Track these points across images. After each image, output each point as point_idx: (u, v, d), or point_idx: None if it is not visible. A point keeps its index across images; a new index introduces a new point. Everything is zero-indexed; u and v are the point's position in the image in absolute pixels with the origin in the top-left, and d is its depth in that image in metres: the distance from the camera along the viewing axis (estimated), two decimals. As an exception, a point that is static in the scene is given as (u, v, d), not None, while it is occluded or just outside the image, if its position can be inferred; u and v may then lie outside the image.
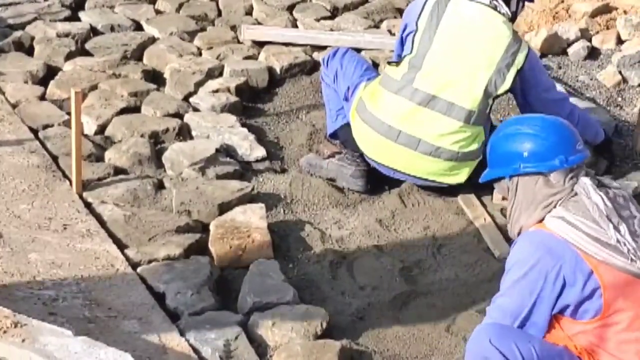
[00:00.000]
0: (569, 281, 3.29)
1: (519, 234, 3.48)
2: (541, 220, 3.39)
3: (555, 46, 6.69)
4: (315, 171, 5.12)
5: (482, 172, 3.67)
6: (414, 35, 4.87)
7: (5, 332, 3.40)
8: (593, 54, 6.68)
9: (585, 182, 3.37)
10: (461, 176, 4.92)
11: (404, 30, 4.98)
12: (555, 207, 3.37)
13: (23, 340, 3.38)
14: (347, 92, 5.04)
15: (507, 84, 4.85)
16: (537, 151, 3.41)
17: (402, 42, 5.01)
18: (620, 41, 6.76)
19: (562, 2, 7.22)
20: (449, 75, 4.81)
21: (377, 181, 5.06)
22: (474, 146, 4.88)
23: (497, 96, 4.91)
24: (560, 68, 6.51)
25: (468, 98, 4.82)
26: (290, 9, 6.82)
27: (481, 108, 4.84)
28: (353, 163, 5.03)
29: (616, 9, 7.11)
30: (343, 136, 5.13)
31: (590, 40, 6.77)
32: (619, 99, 6.19)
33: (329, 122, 5.23)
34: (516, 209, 3.48)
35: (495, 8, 4.90)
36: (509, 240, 4.61)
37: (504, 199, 3.75)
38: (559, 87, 5.96)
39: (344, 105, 5.09)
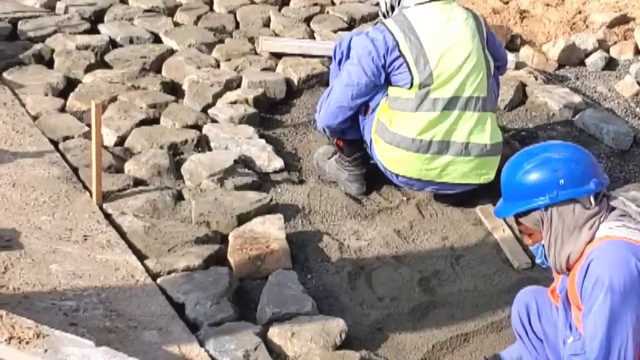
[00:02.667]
0: None
1: (567, 263, 3.35)
2: (590, 241, 3.31)
3: (573, 57, 6.71)
4: (320, 173, 5.23)
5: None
6: (407, 63, 4.83)
7: (27, 342, 3.42)
8: (611, 64, 6.69)
9: (619, 197, 3.36)
10: (490, 174, 4.93)
11: (390, 64, 4.85)
12: (600, 225, 3.31)
13: (45, 351, 3.40)
14: (363, 107, 5.03)
15: (491, 59, 4.96)
16: (573, 176, 3.31)
17: (379, 70, 4.88)
18: (638, 51, 6.78)
19: (580, 12, 7.23)
20: (460, 76, 4.85)
21: (374, 182, 5.14)
22: (499, 137, 4.94)
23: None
24: (578, 79, 6.52)
25: (480, 86, 4.89)
26: (308, 20, 6.85)
27: (490, 91, 4.94)
28: (347, 167, 5.11)
29: (634, 19, 7.13)
30: (348, 144, 5.18)
31: (608, 51, 6.79)
32: (638, 109, 6.19)
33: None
34: (557, 239, 3.34)
35: None
36: (528, 252, 4.64)
37: (521, 232, 3.56)
38: (578, 98, 5.99)
39: (359, 119, 5.06)
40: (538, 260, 3.53)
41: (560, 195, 3.30)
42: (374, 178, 5.16)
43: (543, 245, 3.42)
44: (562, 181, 3.30)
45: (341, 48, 5.14)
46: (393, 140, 4.89)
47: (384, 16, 5.14)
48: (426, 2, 4.93)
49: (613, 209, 3.34)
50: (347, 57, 5.05)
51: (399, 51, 4.82)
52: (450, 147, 4.86)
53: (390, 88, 4.93)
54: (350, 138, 5.12)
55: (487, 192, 5.14)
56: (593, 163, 3.39)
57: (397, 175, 4.97)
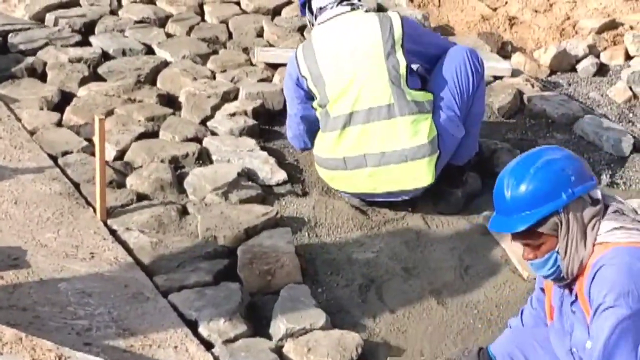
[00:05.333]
0: None
1: (579, 267, 3.28)
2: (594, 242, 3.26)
3: (564, 63, 6.73)
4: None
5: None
6: (308, 83, 4.98)
7: (49, 365, 3.39)
8: (602, 70, 6.72)
9: (609, 194, 3.38)
10: (425, 178, 4.88)
11: (302, 89, 5.05)
12: (600, 225, 3.27)
13: (68, 373, 3.37)
14: None
15: (402, 61, 4.88)
16: (578, 172, 3.27)
17: (304, 99, 5.11)
18: (628, 57, 6.80)
19: (568, 18, 7.26)
20: (354, 90, 4.86)
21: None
22: (421, 139, 4.84)
23: (407, 77, 4.88)
24: (570, 85, 6.54)
25: (380, 96, 4.85)
26: (301, 30, 6.80)
27: (399, 97, 4.85)
28: None
29: (622, 24, 7.16)
30: None
31: (598, 57, 6.81)
32: (630, 115, 6.21)
33: None
34: (572, 243, 3.26)
35: (352, 7, 5.01)
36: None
37: (527, 245, 3.34)
38: (576, 105, 6.00)
39: None
40: (547, 272, 3.34)
41: (575, 191, 3.24)
42: None
43: (558, 252, 3.29)
44: (572, 178, 3.25)
45: None
46: (316, 159, 5.09)
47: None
48: (326, 20, 5.02)
49: (607, 207, 3.31)
50: None
51: (302, 76, 4.98)
52: (367, 159, 4.89)
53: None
54: None
55: (491, 198, 5.12)
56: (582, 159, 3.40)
57: (343, 192, 5.07)
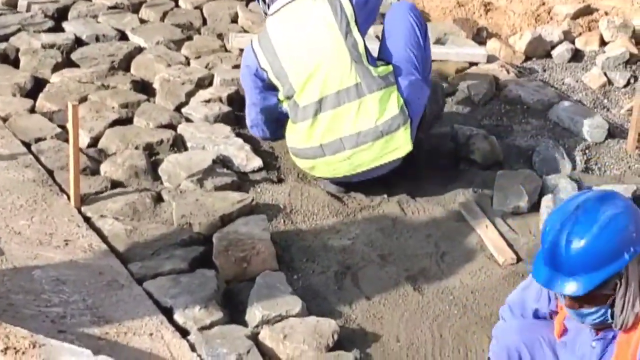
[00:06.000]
0: None
1: (635, 319, 3.10)
2: None
3: (540, 49, 6.73)
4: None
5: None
6: (269, 76, 4.98)
7: (24, 353, 3.36)
8: (577, 56, 6.72)
9: None
10: (403, 148, 4.91)
11: (262, 80, 5.06)
12: None
13: (42, 362, 3.35)
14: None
15: (360, 39, 4.90)
16: (639, 226, 3.04)
17: (263, 90, 5.12)
18: (603, 43, 6.81)
19: (544, 4, 7.26)
20: (319, 76, 4.87)
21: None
22: (391, 111, 4.86)
23: (367, 55, 4.90)
24: (545, 71, 6.54)
25: (346, 78, 4.86)
26: (276, 15, 6.78)
27: (364, 76, 4.87)
28: None
29: (597, 10, 7.17)
30: None
31: (573, 42, 6.81)
32: (605, 100, 6.22)
33: None
34: (630, 300, 3.05)
35: None
36: (513, 247, 4.66)
37: (578, 301, 3.11)
38: (552, 91, 6.00)
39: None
40: (590, 321, 3.16)
41: (637, 249, 3.02)
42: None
43: (610, 307, 3.10)
44: (634, 235, 3.01)
45: None
46: (292, 151, 5.07)
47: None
48: (279, 9, 5.02)
49: None
50: None
51: (262, 69, 4.97)
52: (344, 142, 4.89)
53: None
54: None
55: (466, 185, 5.15)
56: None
57: (322, 178, 5.07)
